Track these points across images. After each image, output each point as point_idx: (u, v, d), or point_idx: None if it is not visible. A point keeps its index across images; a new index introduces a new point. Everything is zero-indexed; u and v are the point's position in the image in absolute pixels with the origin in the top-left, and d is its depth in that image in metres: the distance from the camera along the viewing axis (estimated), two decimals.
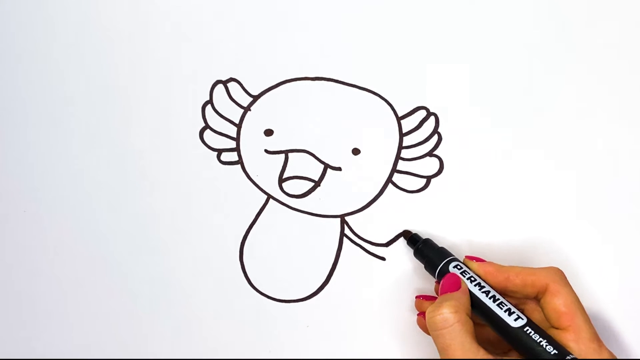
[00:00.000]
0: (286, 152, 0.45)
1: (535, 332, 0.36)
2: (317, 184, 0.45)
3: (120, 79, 0.46)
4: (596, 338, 0.37)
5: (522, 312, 0.38)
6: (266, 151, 0.46)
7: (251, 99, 0.46)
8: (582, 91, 0.45)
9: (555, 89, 0.45)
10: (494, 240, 0.44)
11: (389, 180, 0.45)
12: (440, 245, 0.42)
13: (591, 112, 0.45)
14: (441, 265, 0.40)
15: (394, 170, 0.45)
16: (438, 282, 0.41)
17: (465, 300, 0.38)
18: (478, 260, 0.41)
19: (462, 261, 0.41)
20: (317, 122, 0.45)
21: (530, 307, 0.40)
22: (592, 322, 0.37)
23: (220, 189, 0.46)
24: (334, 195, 0.45)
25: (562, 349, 0.36)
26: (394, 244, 0.45)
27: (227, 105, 0.46)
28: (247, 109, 0.46)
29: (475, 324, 0.37)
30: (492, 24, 0.45)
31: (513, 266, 0.40)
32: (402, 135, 0.45)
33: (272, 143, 0.46)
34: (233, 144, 0.46)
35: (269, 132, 0.46)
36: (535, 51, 0.45)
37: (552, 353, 0.35)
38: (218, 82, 0.46)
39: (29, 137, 0.46)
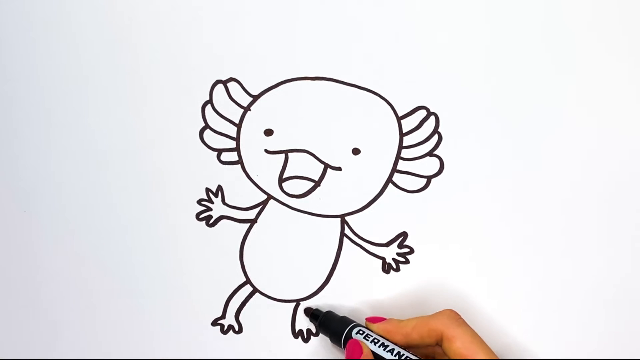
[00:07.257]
0: (286, 152, 0.45)
1: None
2: (317, 183, 0.45)
3: (119, 79, 0.46)
4: None
5: None
6: (266, 151, 0.46)
7: (251, 99, 0.46)
8: (583, 92, 0.44)
9: (557, 89, 0.45)
10: (494, 240, 0.44)
11: (389, 180, 0.45)
12: (341, 315, 0.42)
13: (593, 113, 0.44)
14: (344, 334, 0.41)
15: (394, 170, 0.45)
16: None
17: None
18: (378, 320, 0.41)
19: (364, 325, 0.41)
20: (317, 122, 0.45)
21: (441, 352, 0.40)
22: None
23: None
24: (334, 195, 0.45)
25: None
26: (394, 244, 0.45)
27: (227, 105, 0.46)
28: (247, 109, 0.46)
29: None
30: (492, 24, 0.45)
31: (410, 319, 0.40)
32: (402, 135, 0.45)
33: (272, 143, 0.46)
34: (233, 144, 0.46)
35: (269, 132, 0.46)
36: (537, 51, 0.45)
37: None
38: (218, 82, 0.46)
39: (29, 137, 0.46)
